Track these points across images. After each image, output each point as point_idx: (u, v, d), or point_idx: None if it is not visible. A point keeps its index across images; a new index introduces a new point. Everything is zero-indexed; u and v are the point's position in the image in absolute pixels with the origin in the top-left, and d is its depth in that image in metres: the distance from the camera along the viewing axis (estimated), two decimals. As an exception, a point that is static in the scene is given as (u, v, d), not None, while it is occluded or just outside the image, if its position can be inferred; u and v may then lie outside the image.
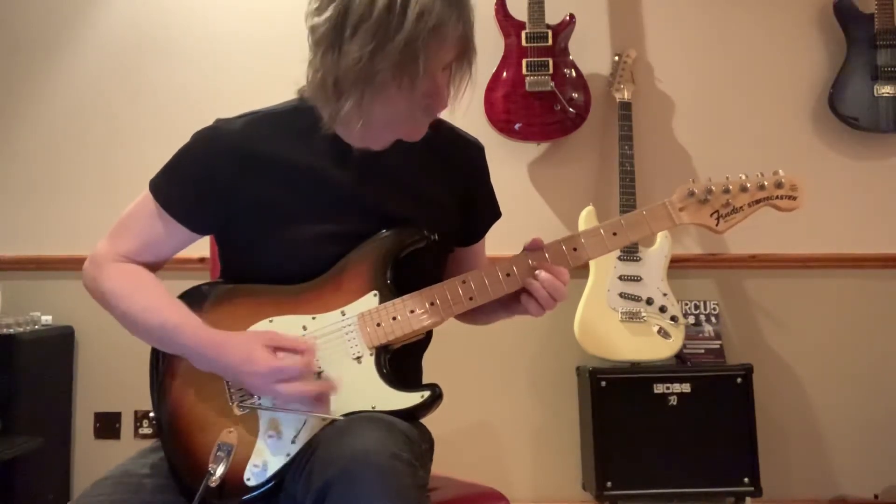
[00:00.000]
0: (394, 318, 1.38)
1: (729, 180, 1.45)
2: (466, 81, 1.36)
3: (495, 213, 1.63)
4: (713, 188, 1.44)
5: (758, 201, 1.45)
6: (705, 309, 3.00)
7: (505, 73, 2.95)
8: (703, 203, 1.45)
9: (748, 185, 1.45)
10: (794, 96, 3.12)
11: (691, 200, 1.45)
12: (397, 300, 1.39)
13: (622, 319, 2.83)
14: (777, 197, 1.45)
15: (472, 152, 1.57)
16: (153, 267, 1.46)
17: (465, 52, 1.31)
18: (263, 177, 1.40)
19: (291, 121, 1.42)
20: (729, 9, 3.14)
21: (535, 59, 2.92)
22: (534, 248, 1.43)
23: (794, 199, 1.46)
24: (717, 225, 1.45)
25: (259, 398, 1.34)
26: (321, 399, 1.31)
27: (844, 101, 3.00)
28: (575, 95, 2.95)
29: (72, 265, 2.96)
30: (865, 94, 2.97)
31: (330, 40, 1.27)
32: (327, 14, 1.26)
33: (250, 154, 1.40)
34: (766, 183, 1.45)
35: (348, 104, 1.29)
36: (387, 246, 1.41)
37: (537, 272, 1.39)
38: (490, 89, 2.95)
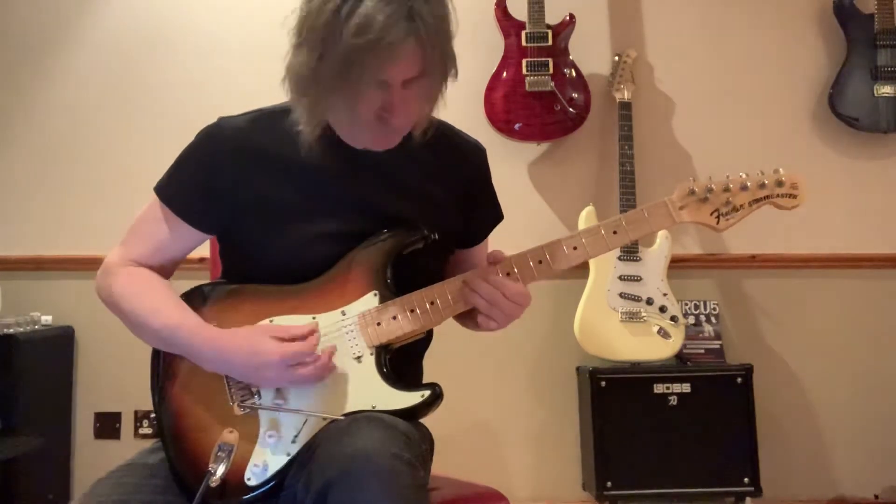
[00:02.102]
0: (394, 318, 1.38)
1: (729, 179, 1.45)
2: (436, 98, 1.35)
3: (497, 216, 1.63)
4: (713, 187, 1.44)
5: (758, 200, 1.45)
6: (705, 309, 3.00)
7: (505, 73, 2.95)
8: (703, 201, 1.44)
9: (748, 184, 1.45)
10: (794, 96, 3.12)
11: (692, 199, 1.45)
12: (397, 300, 1.39)
13: (622, 319, 2.83)
14: (778, 195, 1.45)
15: (473, 155, 1.57)
16: (165, 272, 1.47)
17: (429, 69, 1.29)
18: (265, 174, 1.41)
19: (294, 119, 1.42)
20: (729, 9, 3.14)
21: (535, 59, 2.92)
22: (495, 260, 1.44)
23: (795, 197, 1.45)
24: (717, 223, 1.45)
25: (259, 398, 1.34)
26: (330, 367, 1.33)
27: (844, 101, 3.00)
28: (575, 95, 2.95)
29: (72, 265, 2.99)
30: (865, 94, 2.97)
31: (293, 42, 1.31)
32: (294, 18, 1.30)
33: (253, 151, 1.41)
34: (766, 181, 1.45)
35: (301, 106, 1.34)
36: (387, 246, 1.41)
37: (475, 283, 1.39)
38: (490, 89, 2.95)
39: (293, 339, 1.32)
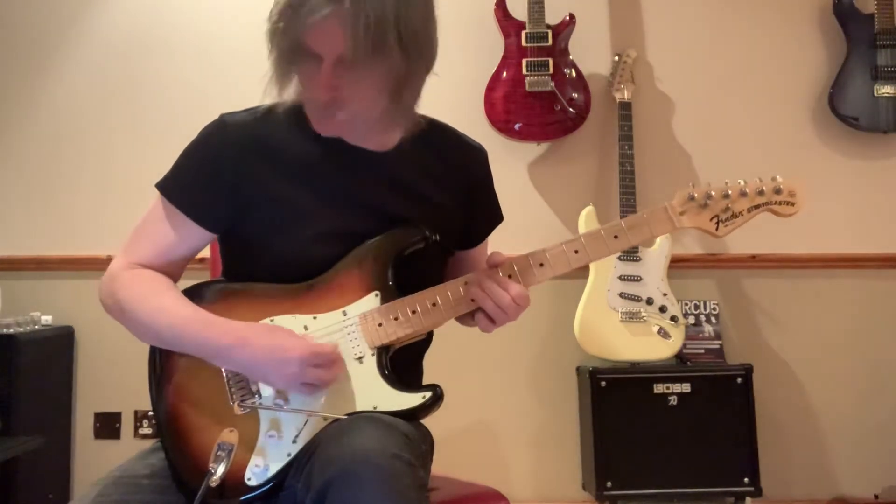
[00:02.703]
0: (395, 319, 1.38)
1: (728, 185, 1.45)
2: (385, 88, 1.32)
3: (497, 217, 1.63)
4: (713, 193, 1.45)
5: (756, 206, 1.46)
6: (705, 309, 3.01)
7: (505, 73, 2.95)
8: (703, 207, 1.45)
9: (747, 191, 1.45)
10: (794, 96, 3.12)
11: (691, 205, 1.45)
12: (398, 300, 1.39)
13: (622, 319, 2.83)
14: (775, 202, 1.45)
15: (474, 156, 1.57)
16: (172, 274, 1.45)
17: (357, 52, 1.25)
18: (268, 171, 1.40)
19: (296, 117, 1.42)
20: (729, 9, 3.14)
21: (535, 59, 2.92)
22: (497, 262, 1.44)
23: (793, 204, 1.46)
24: (716, 229, 1.45)
25: (259, 398, 1.34)
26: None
27: (844, 101, 3.00)
28: (575, 95, 2.95)
29: (72, 265, 2.99)
30: (865, 94, 2.97)
31: None
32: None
33: (256, 147, 1.41)
34: (764, 188, 1.45)
35: (270, 73, 1.35)
36: (388, 246, 1.42)
37: (484, 285, 1.39)
38: (490, 89, 2.95)
39: None
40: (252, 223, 1.42)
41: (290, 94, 1.36)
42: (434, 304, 1.40)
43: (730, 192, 1.45)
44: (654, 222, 1.45)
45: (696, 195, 1.45)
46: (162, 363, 1.40)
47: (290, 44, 1.27)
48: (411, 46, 1.29)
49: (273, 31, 1.29)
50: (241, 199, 1.41)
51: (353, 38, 1.24)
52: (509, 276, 1.41)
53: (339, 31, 1.24)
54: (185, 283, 1.46)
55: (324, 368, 1.30)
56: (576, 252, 1.43)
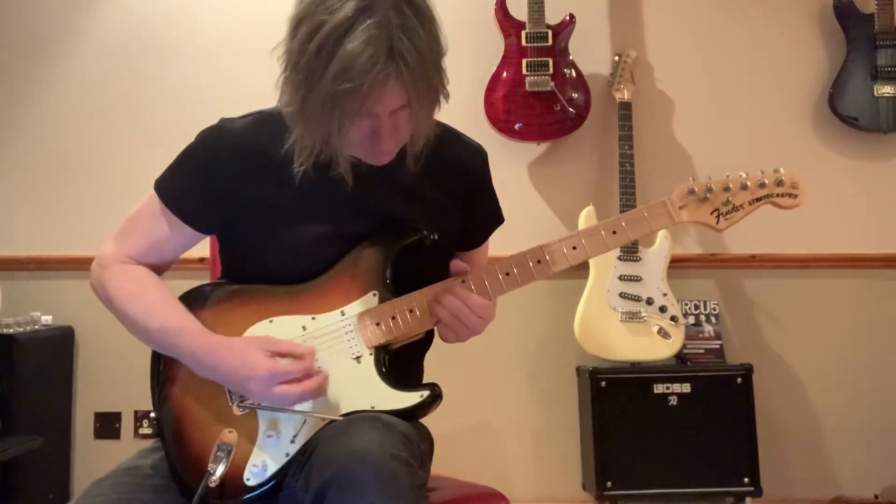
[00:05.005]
0: (393, 318, 1.38)
1: (729, 178, 1.45)
2: (430, 117, 1.33)
3: (497, 219, 1.63)
4: (713, 186, 1.44)
5: (758, 199, 1.45)
6: (705, 309, 3.00)
7: (505, 73, 2.95)
8: (703, 201, 1.44)
9: (748, 183, 1.44)
10: (794, 96, 3.12)
11: (691, 198, 1.45)
12: (396, 300, 1.39)
13: (622, 319, 2.82)
14: (777, 195, 1.45)
15: (474, 157, 1.56)
16: (158, 268, 1.47)
17: (414, 99, 1.26)
18: (265, 176, 1.40)
19: None
20: (729, 9, 3.14)
21: (535, 59, 2.92)
22: (459, 272, 1.43)
23: (795, 196, 1.45)
24: (717, 223, 1.45)
25: (259, 398, 1.34)
26: (320, 392, 1.32)
27: (844, 101, 3.00)
28: (575, 95, 2.95)
29: (72, 265, 2.99)
30: (865, 94, 2.97)
31: (280, 76, 1.29)
32: (279, 50, 1.28)
33: (253, 153, 1.41)
34: (766, 181, 1.45)
35: (294, 134, 1.32)
36: (386, 246, 1.42)
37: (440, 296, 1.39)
38: (490, 89, 2.95)
39: (287, 356, 1.31)
40: (250, 226, 1.43)
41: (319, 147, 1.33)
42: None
43: (730, 184, 1.44)
44: (653, 217, 1.44)
45: (695, 189, 1.44)
46: (164, 365, 1.41)
47: (348, 116, 1.24)
48: (442, 67, 1.30)
49: (322, 109, 1.23)
50: (237, 205, 1.41)
51: (413, 90, 1.24)
52: (507, 274, 1.41)
53: (400, 91, 1.23)
54: (186, 283, 1.46)
55: (293, 384, 1.28)
56: (574, 248, 1.43)
